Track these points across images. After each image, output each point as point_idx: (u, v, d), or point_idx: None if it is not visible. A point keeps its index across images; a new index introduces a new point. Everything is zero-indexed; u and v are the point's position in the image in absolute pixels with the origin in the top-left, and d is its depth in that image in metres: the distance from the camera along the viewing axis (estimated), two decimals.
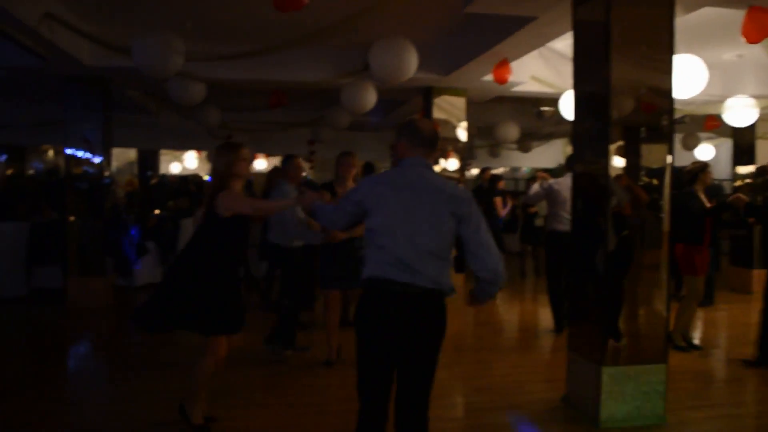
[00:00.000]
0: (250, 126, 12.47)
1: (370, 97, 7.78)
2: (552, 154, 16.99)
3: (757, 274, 9.38)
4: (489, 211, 9.76)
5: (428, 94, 8.98)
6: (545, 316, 7.64)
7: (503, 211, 10.14)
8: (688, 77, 5.81)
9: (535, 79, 8.28)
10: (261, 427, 4.24)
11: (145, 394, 4.80)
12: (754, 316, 6.20)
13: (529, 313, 8.23)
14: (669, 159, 4.37)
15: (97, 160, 8.52)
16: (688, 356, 6.22)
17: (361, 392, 2.94)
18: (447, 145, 9.06)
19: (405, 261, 2.79)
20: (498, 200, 10.06)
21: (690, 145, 13.45)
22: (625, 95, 4.25)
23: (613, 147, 4.27)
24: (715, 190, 8.50)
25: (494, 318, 8.11)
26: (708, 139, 13.91)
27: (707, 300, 8.32)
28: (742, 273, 9.84)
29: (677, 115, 9.40)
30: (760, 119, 9.34)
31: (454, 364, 5.72)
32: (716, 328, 7.59)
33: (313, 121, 12.11)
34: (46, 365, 5.77)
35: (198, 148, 17.67)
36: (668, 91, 4.34)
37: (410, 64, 6.06)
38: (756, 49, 6.30)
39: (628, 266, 4.40)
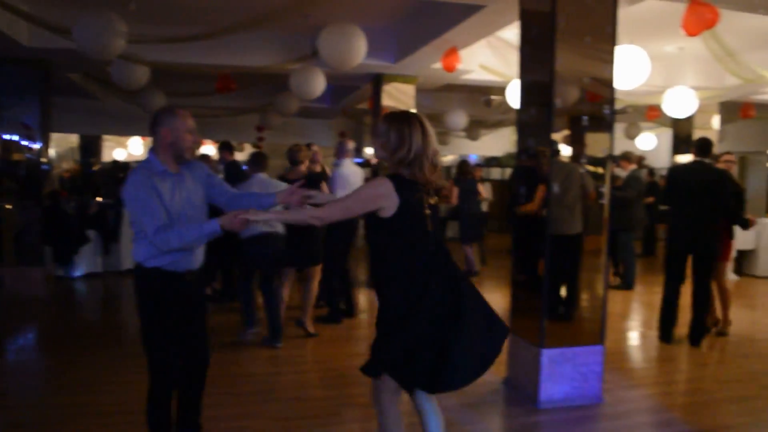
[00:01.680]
0: (196, 112, 12.25)
1: (319, 83, 7.75)
2: (500, 142, 17.22)
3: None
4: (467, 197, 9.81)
5: (378, 81, 9.00)
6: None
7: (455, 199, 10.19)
8: (631, 68, 5.99)
9: (483, 67, 8.38)
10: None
11: (85, 385, 4.71)
12: (685, 298, 6.51)
13: None
14: (610, 148, 4.50)
15: (35, 145, 8.26)
16: (625, 336, 6.47)
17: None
18: None
19: None
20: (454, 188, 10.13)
21: (632, 134, 13.84)
22: (568, 84, 4.34)
23: (556, 135, 4.38)
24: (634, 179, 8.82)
25: None
26: (649, 128, 14.31)
27: (625, 285, 8.82)
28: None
29: (620, 105, 9.67)
30: (699, 110, 9.67)
31: None
32: (652, 311, 7.86)
33: (262, 107, 12.00)
34: None
35: (143, 134, 17.28)
36: (610, 81, 4.45)
37: (359, 50, 6.08)
38: (696, 42, 6.53)
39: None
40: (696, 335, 6.10)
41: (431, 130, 2.87)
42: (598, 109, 4.46)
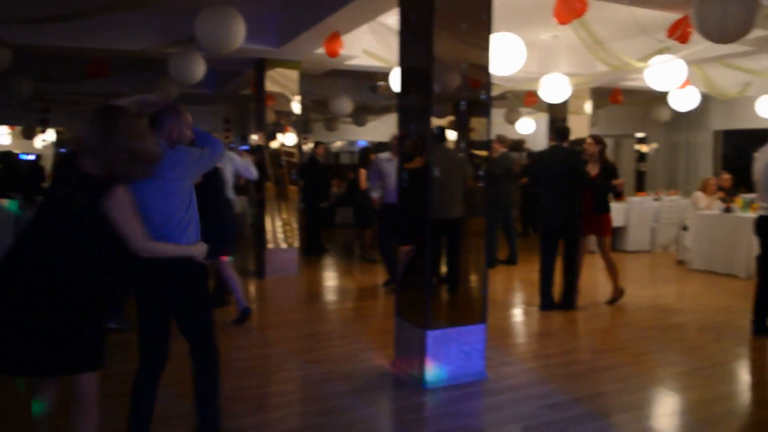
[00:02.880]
0: (68, 98, 11.56)
1: (198, 68, 7.49)
2: (387, 128, 17.36)
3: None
4: (324, 185, 9.85)
5: (261, 66, 8.81)
6: (379, 287, 7.90)
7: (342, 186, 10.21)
8: (507, 55, 6.17)
9: (367, 53, 8.38)
10: None
11: None
12: (557, 275, 6.94)
13: (366, 283, 8.42)
14: (487, 132, 4.63)
15: None
16: (507, 314, 6.73)
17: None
18: (281, 118, 8.97)
19: None
20: (362, 171, 10.10)
21: (512, 119, 14.34)
22: (446, 70, 4.41)
23: (442, 120, 4.46)
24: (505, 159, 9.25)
25: (329, 289, 8.26)
26: (529, 114, 14.88)
27: (502, 261, 9.41)
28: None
29: (500, 91, 9.98)
30: (572, 96, 10.14)
31: (287, 338, 5.75)
32: (533, 287, 8.21)
33: (139, 93, 11.44)
34: None
35: (10, 123, 16.12)
36: (486, 66, 4.57)
37: (237, 33, 5.91)
38: (569, 31, 6.84)
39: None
40: (567, 302, 6.84)
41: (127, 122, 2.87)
42: (474, 93, 4.56)
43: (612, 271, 7.08)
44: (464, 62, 4.47)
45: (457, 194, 4.63)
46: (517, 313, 7.02)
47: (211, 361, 3.41)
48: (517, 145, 13.34)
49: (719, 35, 4.48)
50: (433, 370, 4.44)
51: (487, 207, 4.72)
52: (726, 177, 10.33)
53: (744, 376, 5.10)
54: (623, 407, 4.23)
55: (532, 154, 12.78)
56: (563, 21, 5.42)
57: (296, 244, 8.98)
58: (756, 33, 6.81)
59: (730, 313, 6.75)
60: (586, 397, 4.36)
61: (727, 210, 8.95)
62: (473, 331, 4.57)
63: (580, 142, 7.68)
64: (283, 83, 8.93)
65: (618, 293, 7.12)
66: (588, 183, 6.69)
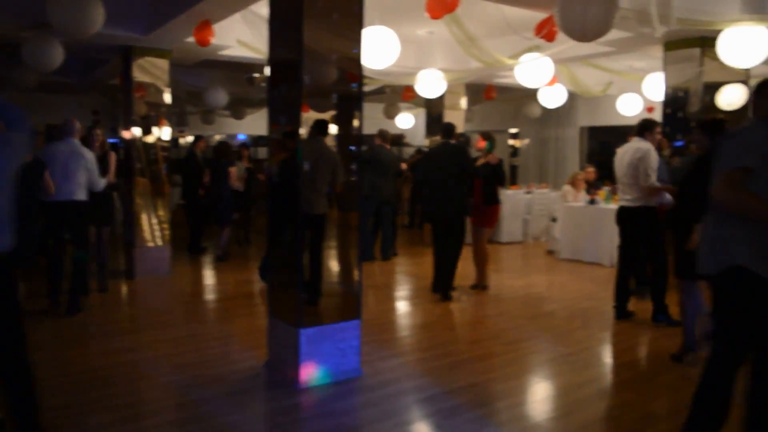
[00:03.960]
0: None
1: (56, 54, 6.95)
2: (266, 121, 17.04)
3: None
4: (220, 179, 9.49)
5: (127, 54, 8.30)
6: (256, 281, 7.69)
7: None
8: (381, 48, 6.15)
9: (241, 43, 8.12)
10: None
11: None
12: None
13: (242, 282, 8.17)
14: (357, 124, 4.57)
15: None
16: (386, 308, 6.74)
17: None
18: (153, 110, 8.52)
19: None
20: (233, 170, 9.75)
21: (391, 113, 14.48)
22: (317, 61, 4.30)
23: (324, 114, 4.37)
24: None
25: (203, 289, 7.95)
26: (407, 108, 15.10)
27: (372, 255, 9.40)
28: (427, 228, 10.95)
29: (377, 86, 10.01)
30: (448, 91, 10.35)
31: (157, 341, 5.45)
32: (413, 281, 8.31)
33: None
34: None
35: None
36: (358, 59, 4.50)
37: (94, 17, 5.51)
38: (444, 27, 6.95)
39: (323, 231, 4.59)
40: (446, 290, 7.11)
41: None
42: (346, 86, 4.49)
43: (483, 260, 7.48)
44: (336, 54, 4.38)
45: (322, 190, 4.55)
46: (397, 307, 7.06)
47: (24, 381, 3.07)
48: (397, 139, 13.51)
49: (580, 34, 4.66)
50: (307, 370, 4.34)
51: (359, 201, 4.67)
52: (590, 170, 10.91)
53: (608, 359, 5.36)
54: (496, 396, 4.32)
55: (421, 150, 12.96)
56: (435, 16, 5.47)
57: (167, 242, 8.56)
58: (616, 34, 7.21)
59: (595, 299, 7.11)
60: (460, 389, 4.41)
61: (592, 202, 9.44)
62: (348, 328, 4.50)
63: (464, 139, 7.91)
64: (153, 73, 8.46)
65: (483, 280, 7.55)
66: (477, 174, 7.04)
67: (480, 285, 7.53)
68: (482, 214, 7.31)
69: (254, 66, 10.39)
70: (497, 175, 7.22)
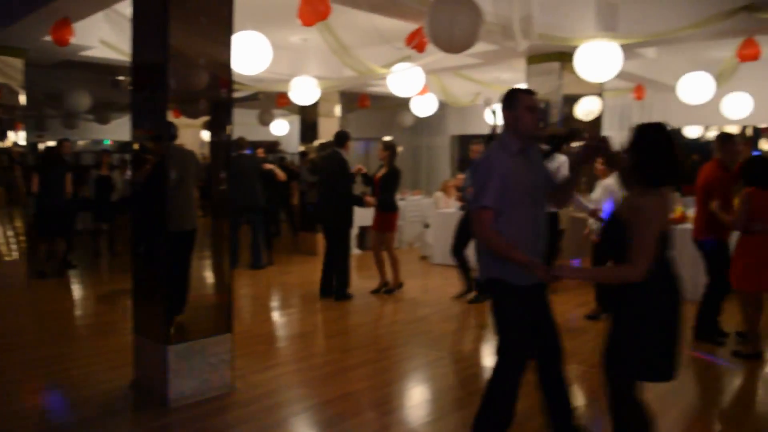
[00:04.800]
0: None
1: None
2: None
3: (320, 238, 10.59)
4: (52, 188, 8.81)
5: None
6: (118, 299, 7.28)
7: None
8: (253, 54, 6.03)
9: (105, 44, 7.69)
10: None
11: None
12: (320, 274, 7.09)
13: (105, 297, 7.72)
14: (229, 132, 4.44)
15: None
16: (261, 319, 6.60)
17: None
18: (6, 113, 7.89)
19: None
20: (68, 177, 9.09)
21: (266, 120, 14.27)
22: (184, 65, 4.13)
23: (197, 120, 4.21)
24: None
25: (63, 306, 7.42)
26: (282, 115, 14.93)
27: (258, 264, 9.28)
28: (309, 237, 10.91)
29: (250, 92, 9.83)
30: (322, 99, 10.33)
31: (13, 366, 5.01)
32: (286, 290, 8.20)
33: None
34: None
35: None
36: (228, 64, 4.38)
37: None
38: (318, 34, 6.96)
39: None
40: (339, 293, 7.33)
41: None
42: (215, 91, 4.35)
43: (395, 264, 7.70)
44: (204, 58, 4.23)
45: (189, 201, 4.39)
46: (272, 318, 6.93)
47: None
48: (272, 146, 13.32)
49: (448, 46, 4.80)
50: (176, 387, 4.14)
51: (229, 210, 4.52)
52: (460, 178, 11.23)
53: (481, 361, 5.52)
54: (372, 404, 4.32)
55: (313, 160, 12.79)
56: (307, 23, 5.42)
57: (24, 254, 7.94)
58: (483, 47, 7.51)
59: (464, 303, 7.32)
60: (336, 399, 4.37)
61: (462, 208, 9.73)
62: (219, 342, 4.35)
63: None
64: (6, 73, 7.84)
65: (396, 284, 7.80)
66: (348, 185, 7.28)
67: (387, 286, 7.77)
68: (380, 220, 7.53)
69: (119, 68, 9.87)
70: (393, 183, 7.55)
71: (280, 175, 9.23)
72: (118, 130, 15.83)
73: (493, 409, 3.26)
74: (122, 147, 17.12)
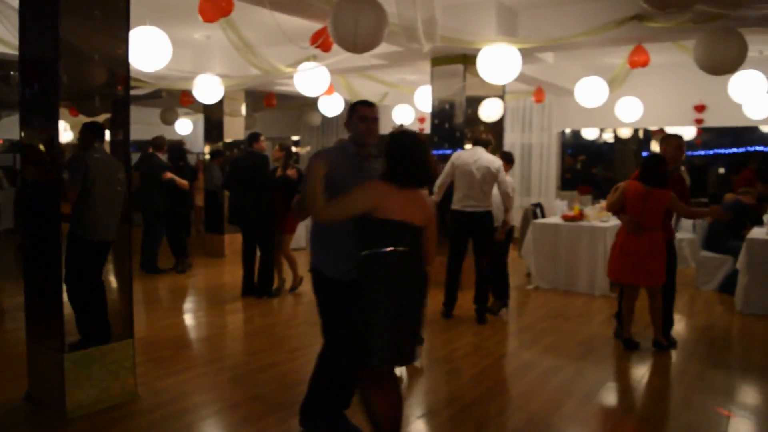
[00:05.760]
0: None
1: None
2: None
3: (228, 239, 10.44)
4: None
5: None
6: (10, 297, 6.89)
7: None
8: (152, 50, 5.83)
9: None
10: None
11: None
12: (228, 276, 6.95)
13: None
14: (126, 131, 4.28)
15: None
16: (168, 323, 6.40)
17: None
18: None
19: None
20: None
21: (169, 119, 13.86)
22: (76, 60, 3.94)
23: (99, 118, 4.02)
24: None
25: None
26: (186, 114, 14.54)
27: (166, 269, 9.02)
28: (216, 239, 10.69)
29: (151, 89, 9.51)
30: (228, 97, 10.15)
31: None
32: (195, 292, 8.00)
33: None
34: None
35: None
36: (125, 60, 4.22)
37: None
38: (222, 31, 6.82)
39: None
40: (261, 290, 7.42)
41: None
42: (114, 89, 4.18)
43: (293, 264, 7.67)
44: (99, 53, 4.05)
45: (106, 211, 4.24)
46: (178, 322, 6.71)
47: None
48: (177, 146, 12.91)
49: (352, 46, 4.81)
50: (74, 398, 3.95)
51: (130, 213, 4.37)
52: None
53: None
54: (278, 407, 4.26)
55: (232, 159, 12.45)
56: (208, 19, 5.30)
57: None
58: (388, 48, 7.59)
59: None
60: (242, 402, 4.31)
61: None
62: (120, 348, 4.18)
63: (239, 143, 7.84)
64: None
65: (297, 282, 7.78)
66: (270, 183, 7.31)
67: (292, 286, 7.79)
68: (283, 221, 7.45)
69: (9, 63, 9.31)
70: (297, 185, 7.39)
71: (182, 184, 8.81)
72: (11, 128, 14.92)
73: (316, 390, 3.70)
74: (13, 146, 16.15)
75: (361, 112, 3.56)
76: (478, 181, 6.37)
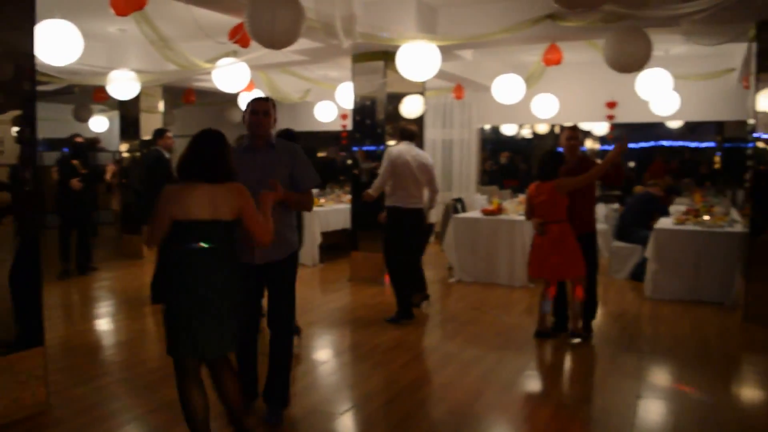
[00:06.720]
0: None
1: None
2: None
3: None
4: None
5: None
6: None
7: None
8: (61, 44, 5.61)
9: None
10: None
11: None
12: (147, 277, 6.75)
13: None
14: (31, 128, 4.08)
15: None
16: (78, 330, 6.17)
17: None
18: None
19: None
20: None
21: (83, 116, 13.35)
22: None
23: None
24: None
25: None
26: (101, 111, 14.04)
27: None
28: (134, 239, 10.37)
29: (62, 84, 9.12)
30: (144, 93, 9.84)
31: None
32: (112, 294, 7.74)
33: None
34: None
35: None
36: (30, 54, 4.04)
37: None
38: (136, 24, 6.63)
39: None
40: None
41: None
42: (19, 84, 3.99)
43: None
44: (2, 47, 3.85)
45: None
46: (93, 327, 6.47)
47: None
48: (92, 144, 12.45)
49: (269, 42, 4.76)
50: None
51: (34, 212, 4.17)
52: None
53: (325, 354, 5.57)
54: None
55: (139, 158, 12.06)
56: (121, 12, 5.14)
57: None
58: (308, 44, 7.54)
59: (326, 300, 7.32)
60: (161, 407, 4.19)
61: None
62: (29, 357, 3.99)
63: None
64: None
65: None
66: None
67: None
68: None
69: None
70: None
71: (75, 185, 8.49)
72: None
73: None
74: None
75: (252, 106, 3.79)
76: (417, 177, 6.31)
